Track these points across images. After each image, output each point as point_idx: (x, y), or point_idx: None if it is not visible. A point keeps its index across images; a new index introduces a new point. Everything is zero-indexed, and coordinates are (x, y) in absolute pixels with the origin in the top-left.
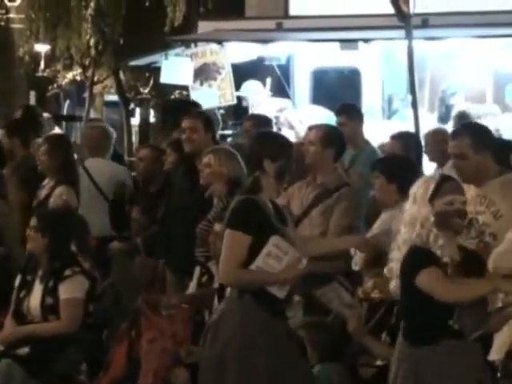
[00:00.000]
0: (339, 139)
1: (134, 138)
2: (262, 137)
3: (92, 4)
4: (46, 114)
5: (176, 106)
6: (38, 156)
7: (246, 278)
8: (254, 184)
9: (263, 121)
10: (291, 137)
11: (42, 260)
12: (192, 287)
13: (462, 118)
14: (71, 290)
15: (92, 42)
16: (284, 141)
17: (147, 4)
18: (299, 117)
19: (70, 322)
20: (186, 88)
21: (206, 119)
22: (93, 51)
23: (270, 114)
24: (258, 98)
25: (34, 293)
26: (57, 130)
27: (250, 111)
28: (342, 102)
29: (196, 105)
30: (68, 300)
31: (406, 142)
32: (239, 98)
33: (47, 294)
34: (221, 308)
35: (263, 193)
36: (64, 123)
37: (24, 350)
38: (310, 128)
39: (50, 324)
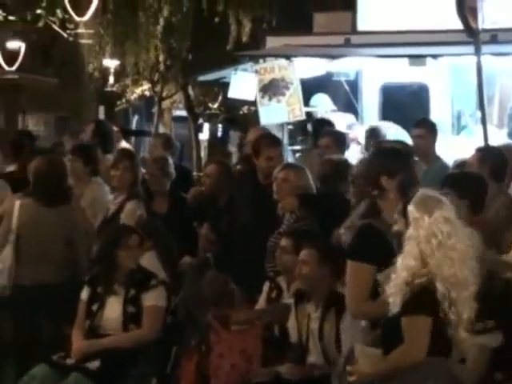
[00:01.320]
0: (411, 155)
1: (203, 153)
2: (376, 154)
3: (161, 20)
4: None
5: None
6: (110, 171)
7: (373, 311)
8: (370, 208)
9: (340, 137)
10: (358, 153)
11: (119, 271)
12: (261, 302)
13: None
14: (156, 298)
15: (161, 57)
16: (398, 154)
17: (216, 20)
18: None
19: (151, 329)
20: (254, 103)
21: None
22: (162, 66)
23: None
24: (327, 112)
25: (109, 304)
26: (124, 144)
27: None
28: (423, 117)
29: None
30: (152, 307)
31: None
32: (308, 114)
33: (129, 303)
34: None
35: (383, 214)
36: (133, 138)
37: (95, 364)
38: (379, 144)
39: (130, 333)
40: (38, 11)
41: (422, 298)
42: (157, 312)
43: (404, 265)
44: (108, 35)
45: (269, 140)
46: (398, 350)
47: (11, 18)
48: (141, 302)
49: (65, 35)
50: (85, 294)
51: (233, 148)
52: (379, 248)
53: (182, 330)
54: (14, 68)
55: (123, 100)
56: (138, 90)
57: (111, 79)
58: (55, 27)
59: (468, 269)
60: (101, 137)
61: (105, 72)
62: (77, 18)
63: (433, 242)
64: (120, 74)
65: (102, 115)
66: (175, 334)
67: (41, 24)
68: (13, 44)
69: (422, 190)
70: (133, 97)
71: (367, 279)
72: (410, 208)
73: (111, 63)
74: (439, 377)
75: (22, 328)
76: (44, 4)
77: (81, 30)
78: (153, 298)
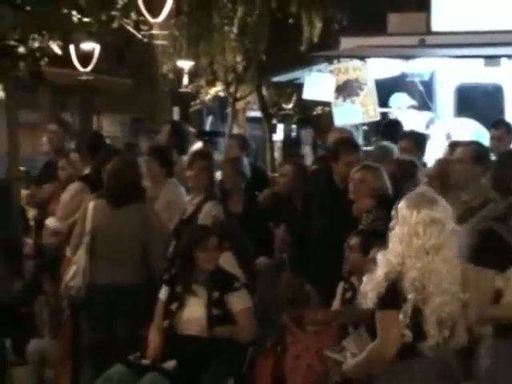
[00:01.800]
0: (487, 156)
1: (277, 154)
2: (506, 158)
3: (235, 21)
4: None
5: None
6: (186, 173)
7: (499, 314)
8: (508, 210)
9: (420, 138)
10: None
11: (199, 272)
12: (336, 303)
13: None
14: (244, 301)
15: (235, 58)
16: None
17: (290, 21)
18: (446, 130)
19: (248, 331)
20: (328, 104)
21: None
22: (236, 67)
23: (418, 128)
24: (406, 111)
25: (190, 305)
26: (199, 145)
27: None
28: (500, 117)
29: None
30: (245, 310)
31: None
32: (383, 115)
33: (213, 305)
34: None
35: None
36: (207, 139)
37: (171, 364)
38: (454, 145)
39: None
40: (113, 13)
41: (392, 293)
42: (249, 314)
43: (385, 261)
44: (182, 36)
45: (348, 145)
46: (371, 344)
47: (86, 19)
48: (225, 305)
49: (139, 36)
50: (163, 293)
51: (305, 148)
52: (501, 253)
53: (258, 331)
54: (88, 69)
55: (197, 101)
56: (212, 91)
57: (185, 80)
58: (130, 29)
59: (442, 276)
60: (177, 138)
61: (179, 73)
62: (151, 20)
63: (414, 241)
64: (194, 74)
65: (176, 116)
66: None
67: (115, 25)
68: (87, 45)
69: (418, 189)
70: (207, 98)
71: (490, 284)
72: (400, 204)
73: (185, 64)
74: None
75: (97, 328)
76: (119, 6)
77: (155, 32)
78: (241, 302)
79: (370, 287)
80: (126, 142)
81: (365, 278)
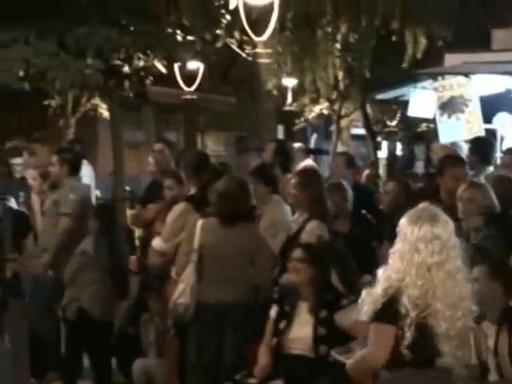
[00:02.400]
0: None
1: (382, 171)
2: None
3: (339, 37)
4: (298, 145)
5: None
6: (289, 190)
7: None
8: None
9: None
10: None
11: (306, 291)
12: None
13: None
14: (356, 314)
15: (339, 75)
16: None
17: (394, 38)
18: None
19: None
20: (432, 121)
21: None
22: (340, 85)
23: None
24: (510, 128)
25: (297, 323)
26: (307, 162)
27: (500, 144)
28: None
29: None
30: (358, 322)
31: None
32: (487, 131)
33: (320, 324)
34: None
35: None
36: (312, 156)
37: (278, 383)
38: None
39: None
40: (218, 32)
41: (388, 308)
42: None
43: (385, 277)
44: (286, 54)
45: (454, 160)
46: (361, 351)
47: (190, 38)
48: (333, 324)
49: (243, 55)
50: (273, 311)
51: (418, 163)
52: None
53: None
54: (192, 88)
55: (301, 119)
56: (316, 109)
57: (289, 98)
58: (234, 47)
59: (448, 292)
60: (282, 156)
61: (283, 91)
62: (255, 38)
63: (415, 258)
64: (298, 92)
65: (281, 134)
66: None
67: (220, 44)
68: (192, 64)
69: (421, 205)
70: (311, 115)
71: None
72: (402, 221)
73: (289, 82)
74: None
75: (205, 347)
76: (223, 24)
77: (259, 50)
78: (354, 315)
79: (368, 301)
80: (230, 160)
81: (363, 293)
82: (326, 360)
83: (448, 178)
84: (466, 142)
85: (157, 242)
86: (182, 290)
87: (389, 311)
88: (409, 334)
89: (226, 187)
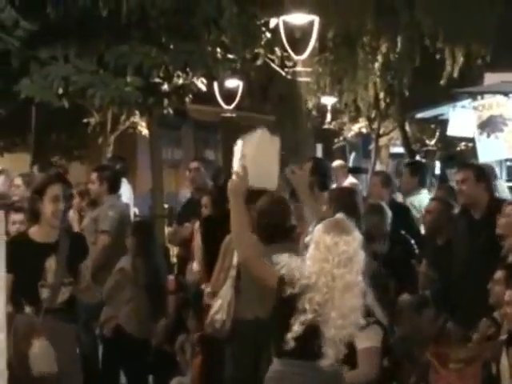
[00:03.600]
0: None
1: None
2: None
3: (379, 57)
4: (339, 162)
5: None
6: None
7: None
8: None
9: None
10: None
11: None
12: (477, 340)
13: None
14: (370, 338)
15: (379, 94)
16: None
17: (437, 57)
18: None
19: (370, 370)
20: (471, 140)
21: (478, 170)
22: (380, 103)
23: None
24: None
25: None
26: (350, 179)
27: None
28: None
29: None
30: (367, 349)
31: None
32: None
33: None
34: None
35: None
36: (350, 175)
37: None
38: None
39: (350, 373)
40: (257, 50)
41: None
42: (371, 354)
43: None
44: (326, 73)
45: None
46: None
47: (230, 56)
48: (352, 344)
49: (283, 73)
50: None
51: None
52: None
53: (399, 370)
54: (231, 106)
55: (341, 137)
56: (356, 127)
57: (328, 117)
58: (274, 65)
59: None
60: (319, 175)
61: (322, 109)
62: (295, 57)
63: (325, 267)
64: (337, 111)
65: (320, 153)
66: (391, 373)
67: (259, 62)
68: (231, 83)
69: (337, 216)
70: (350, 134)
71: None
72: (318, 228)
73: (328, 100)
74: None
75: (241, 363)
76: (263, 42)
77: (299, 68)
78: (367, 339)
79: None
80: None
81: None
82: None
83: None
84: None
85: (195, 266)
86: (220, 306)
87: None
88: (297, 329)
89: (265, 205)
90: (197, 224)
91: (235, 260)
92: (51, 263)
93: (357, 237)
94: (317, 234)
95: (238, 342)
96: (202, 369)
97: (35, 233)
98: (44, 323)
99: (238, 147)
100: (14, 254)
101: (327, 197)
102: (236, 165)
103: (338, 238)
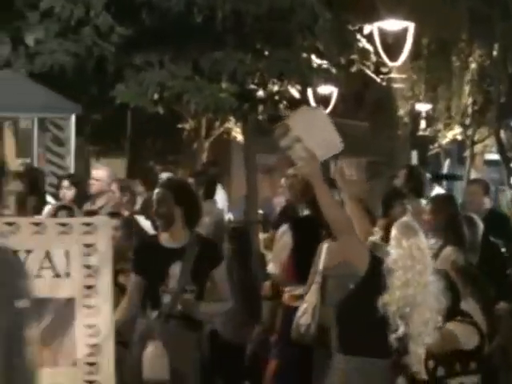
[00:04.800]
0: None
1: None
2: None
3: (473, 65)
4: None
5: None
6: (424, 216)
7: None
8: None
9: None
10: None
11: None
12: None
13: None
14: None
15: (474, 101)
16: None
17: None
18: None
19: None
20: None
21: None
22: (474, 111)
23: None
24: None
25: None
26: (437, 190)
27: None
28: None
29: None
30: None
31: None
32: None
33: None
34: None
35: None
36: (445, 182)
37: None
38: None
39: None
40: (352, 56)
41: None
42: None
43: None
44: (420, 80)
45: None
46: None
47: (325, 64)
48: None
49: (377, 80)
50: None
51: None
52: None
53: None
54: (326, 112)
55: (435, 144)
56: (450, 134)
57: (423, 124)
58: (369, 72)
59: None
60: (414, 182)
61: (416, 116)
62: (389, 63)
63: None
64: (431, 118)
65: (414, 160)
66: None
67: (354, 69)
68: (325, 89)
69: (404, 219)
70: (444, 141)
71: None
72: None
73: (423, 107)
74: None
75: (320, 369)
76: (357, 49)
77: (393, 75)
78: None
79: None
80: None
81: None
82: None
83: None
84: None
85: (271, 267)
86: (305, 310)
87: None
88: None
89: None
90: (284, 226)
91: (321, 265)
92: (175, 269)
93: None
94: (396, 235)
95: (322, 348)
96: (275, 372)
97: (166, 237)
98: (163, 329)
99: (285, 132)
100: (143, 257)
101: (430, 206)
102: (294, 150)
103: (414, 240)
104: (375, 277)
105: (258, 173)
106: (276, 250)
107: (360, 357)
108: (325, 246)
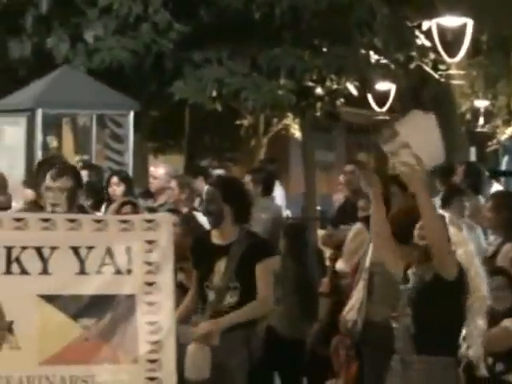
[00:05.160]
0: None
1: None
2: None
3: None
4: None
5: None
6: (484, 213)
7: None
8: None
9: None
10: None
11: None
12: None
13: None
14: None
15: None
16: None
17: None
18: None
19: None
20: None
21: None
22: None
23: None
24: None
25: None
26: (496, 187)
27: None
28: None
29: None
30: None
31: None
32: None
33: None
34: None
35: None
36: (503, 179)
37: None
38: None
39: None
40: (411, 53)
41: None
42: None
43: None
44: (479, 76)
45: None
46: None
47: (382, 60)
48: None
49: (436, 76)
50: None
51: None
52: None
53: None
54: (384, 109)
55: (494, 140)
56: (509, 131)
57: (481, 120)
58: (427, 68)
59: None
60: (472, 178)
61: (475, 113)
62: (448, 59)
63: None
64: (490, 114)
65: (472, 156)
66: None
67: (412, 66)
68: (383, 85)
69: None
70: (503, 137)
71: None
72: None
73: (481, 103)
74: None
75: (376, 368)
76: (416, 46)
77: (452, 71)
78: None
79: None
80: None
81: None
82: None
83: None
84: None
85: (339, 264)
86: (352, 306)
87: None
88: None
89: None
90: (358, 224)
91: (368, 262)
92: (220, 266)
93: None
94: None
95: (370, 345)
96: (357, 373)
97: (216, 234)
98: None
99: (392, 137)
100: (196, 253)
101: (490, 203)
102: (400, 155)
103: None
104: (463, 281)
105: (316, 169)
106: (349, 249)
107: (437, 356)
108: (367, 238)
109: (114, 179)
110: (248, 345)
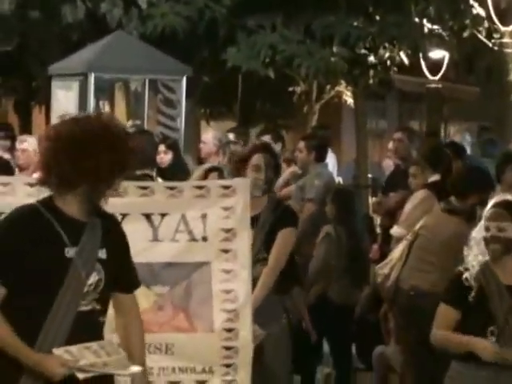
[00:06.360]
0: None
1: None
2: None
3: None
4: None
5: None
6: None
7: None
8: None
9: None
10: None
11: None
12: None
13: None
14: None
15: None
16: None
17: None
18: None
19: None
20: None
21: None
22: None
23: None
24: None
25: None
26: None
27: None
28: None
29: None
30: None
31: None
32: None
33: None
34: None
35: None
36: None
37: None
38: None
39: None
40: (465, 21)
41: None
42: None
43: None
44: None
45: None
46: None
47: (436, 28)
48: None
49: (489, 45)
50: None
51: None
52: None
53: None
54: (437, 77)
55: None
56: None
57: None
58: (480, 37)
59: None
60: None
61: None
62: (502, 28)
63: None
64: None
65: None
66: None
67: (466, 34)
68: (436, 54)
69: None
70: None
71: None
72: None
73: None
74: None
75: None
76: (470, 14)
77: (506, 40)
78: None
79: None
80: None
81: None
82: None
83: None
84: None
85: (395, 229)
86: (388, 261)
87: None
88: None
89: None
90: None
91: (418, 226)
92: None
93: None
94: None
95: (400, 310)
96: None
97: None
98: None
99: None
100: None
101: None
102: None
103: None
104: None
105: (368, 137)
106: (413, 215)
107: None
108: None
109: (161, 147)
110: (287, 310)
